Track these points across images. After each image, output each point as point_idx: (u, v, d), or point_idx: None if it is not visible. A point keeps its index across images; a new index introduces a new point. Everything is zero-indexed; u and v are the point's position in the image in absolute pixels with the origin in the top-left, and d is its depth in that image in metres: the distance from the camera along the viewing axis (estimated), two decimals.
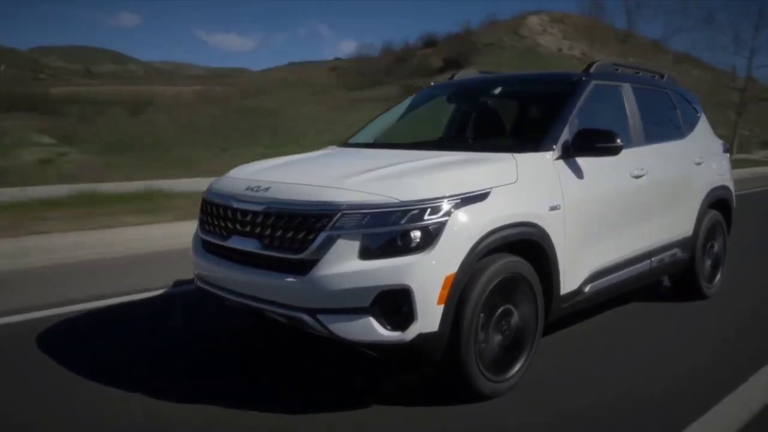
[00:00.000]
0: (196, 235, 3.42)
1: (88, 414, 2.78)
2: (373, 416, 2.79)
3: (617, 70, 4.31)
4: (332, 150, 4.10)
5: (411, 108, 4.60)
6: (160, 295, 4.67)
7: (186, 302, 4.49)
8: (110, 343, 3.65)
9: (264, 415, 2.76)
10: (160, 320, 4.13)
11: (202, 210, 3.35)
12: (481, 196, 2.84)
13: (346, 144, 4.29)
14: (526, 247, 3.06)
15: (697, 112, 4.99)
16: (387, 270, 2.62)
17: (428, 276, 2.63)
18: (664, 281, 4.85)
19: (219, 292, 3.14)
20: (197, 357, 3.46)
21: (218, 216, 3.16)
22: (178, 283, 4.91)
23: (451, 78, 4.80)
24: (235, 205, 3.05)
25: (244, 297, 2.98)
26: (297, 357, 3.51)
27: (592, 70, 3.97)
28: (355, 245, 2.65)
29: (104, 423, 2.70)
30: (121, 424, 2.70)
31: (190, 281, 3.57)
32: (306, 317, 2.70)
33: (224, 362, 3.41)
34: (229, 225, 3.07)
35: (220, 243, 3.12)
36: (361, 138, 4.36)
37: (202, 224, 3.33)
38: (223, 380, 3.15)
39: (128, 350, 3.54)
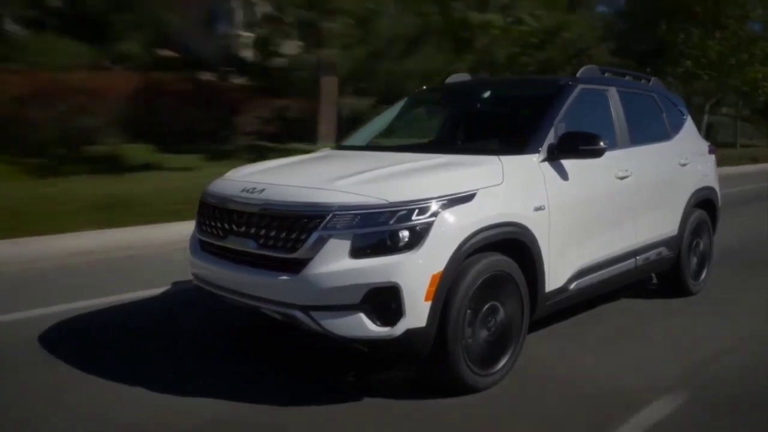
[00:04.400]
0: (193, 236, 3.53)
1: (90, 410, 2.88)
2: (366, 409, 2.90)
3: (604, 74, 4.43)
4: (326, 152, 4.22)
5: (404, 111, 4.72)
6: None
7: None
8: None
9: (261, 407, 2.88)
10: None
11: (199, 211, 3.46)
12: (467, 198, 2.95)
13: (339, 147, 4.41)
14: (512, 246, 3.18)
15: (683, 115, 5.11)
16: (376, 268, 2.74)
17: (416, 274, 2.75)
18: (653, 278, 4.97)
19: (216, 291, 3.26)
20: (196, 353, 3.58)
21: (215, 217, 3.27)
22: None
23: (443, 82, 4.93)
24: (232, 206, 3.16)
25: (240, 295, 3.09)
26: (292, 352, 3.62)
27: (579, 74, 4.10)
28: (346, 245, 2.77)
29: (107, 418, 2.82)
30: (123, 420, 2.81)
31: None
32: (299, 314, 2.82)
33: (221, 358, 3.52)
34: (226, 226, 3.18)
35: (217, 243, 3.24)
36: (354, 141, 4.48)
37: (199, 225, 3.44)
38: (221, 375, 3.26)
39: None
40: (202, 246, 3.42)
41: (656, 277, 4.89)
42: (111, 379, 3.15)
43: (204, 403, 2.92)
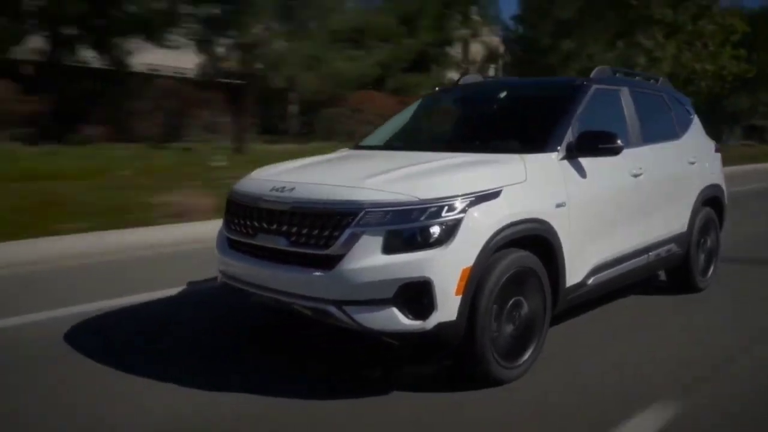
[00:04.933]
0: (220, 233, 3.60)
1: (109, 408, 2.89)
2: (365, 409, 2.91)
3: (616, 74, 4.54)
4: (346, 152, 4.30)
5: (419, 112, 4.81)
6: None
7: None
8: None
9: (288, 401, 2.93)
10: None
11: (227, 210, 3.53)
12: (493, 195, 3.04)
13: (357, 147, 4.49)
14: (535, 242, 3.26)
15: (690, 114, 5.22)
16: (409, 264, 2.82)
17: (447, 269, 2.83)
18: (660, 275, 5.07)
19: (245, 287, 3.33)
20: (220, 351, 3.64)
21: (244, 215, 3.34)
22: None
23: (457, 83, 5.02)
24: (262, 204, 3.23)
25: (270, 291, 3.16)
26: (301, 351, 3.67)
27: (592, 75, 4.20)
28: (378, 241, 2.84)
29: (126, 416, 2.84)
30: (143, 418, 2.83)
31: None
32: (333, 309, 2.89)
33: (246, 355, 3.59)
34: (256, 224, 3.25)
35: (247, 241, 3.31)
36: (371, 141, 4.56)
37: (228, 223, 3.50)
38: (244, 372, 3.31)
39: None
40: (230, 244, 3.49)
41: (665, 274, 4.99)
42: (116, 378, 3.18)
43: (232, 397, 2.97)
